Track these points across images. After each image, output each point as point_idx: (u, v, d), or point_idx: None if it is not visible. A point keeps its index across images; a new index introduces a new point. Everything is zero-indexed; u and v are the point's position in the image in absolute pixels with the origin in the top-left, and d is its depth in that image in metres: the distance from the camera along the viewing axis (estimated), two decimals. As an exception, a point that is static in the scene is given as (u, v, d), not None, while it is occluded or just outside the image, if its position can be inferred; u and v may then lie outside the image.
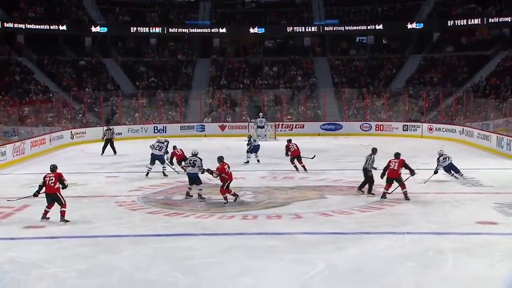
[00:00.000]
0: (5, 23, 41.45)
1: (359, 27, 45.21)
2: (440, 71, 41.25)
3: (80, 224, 12.75)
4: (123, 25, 45.77)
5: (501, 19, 40.74)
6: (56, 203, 12.79)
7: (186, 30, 46.11)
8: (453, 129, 31.24)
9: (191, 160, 15.27)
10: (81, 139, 30.96)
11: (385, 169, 14.88)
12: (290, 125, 35.35)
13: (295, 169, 19.71)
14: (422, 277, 9.25)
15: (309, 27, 45.63)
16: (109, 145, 25.76)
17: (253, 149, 22.31)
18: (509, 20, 40.19)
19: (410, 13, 44.81)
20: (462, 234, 11.89)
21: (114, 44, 46.29)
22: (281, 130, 33.72)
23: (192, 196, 15.45)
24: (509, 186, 17.14)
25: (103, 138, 26.50)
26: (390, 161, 14.87)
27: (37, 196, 13.41)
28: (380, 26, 44.31)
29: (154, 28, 45.32)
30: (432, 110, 36.29)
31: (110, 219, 13.32)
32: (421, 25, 43.63)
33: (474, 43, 43.32)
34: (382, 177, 14.98)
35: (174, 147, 19.92)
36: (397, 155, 14.96)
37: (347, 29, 45.45)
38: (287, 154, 19.96)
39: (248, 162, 22.30)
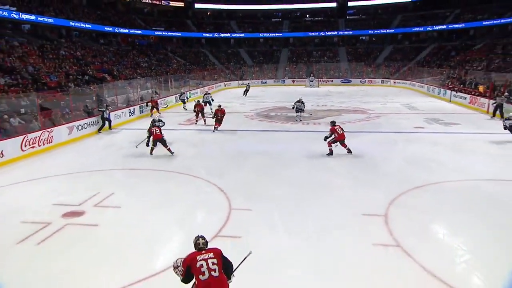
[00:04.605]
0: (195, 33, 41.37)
1: (362, 32, 40.77)
2: (401, 54, 36.89)
3: (228, 125, 12.93)
4: (250, 32, 43.95)
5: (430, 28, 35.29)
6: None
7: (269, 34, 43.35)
8: (405, 82, 28.83)
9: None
10: (230, 86, 31.40)
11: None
12: (326, 80, 33.63)
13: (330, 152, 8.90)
14: (388, 151, 9.17)
15: (337, 32, 41.73)
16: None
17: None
18: (440, 28, 34.79)
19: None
20: (406, 132, 11.37)
21: (244, 42, 44.99)
22: (321, 82, 32.37)
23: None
24: (430, 109, 15.89)
25: (243, 84, 28.50)
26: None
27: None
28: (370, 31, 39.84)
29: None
30: (396, 73, 33.20)
31: (239, 124, 13.38)
32: (392, 30, 38.88)
33: (418, 40, 37.75)
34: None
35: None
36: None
37: (356, 33, 41.06)
38: (326, 138, 8.87)
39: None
